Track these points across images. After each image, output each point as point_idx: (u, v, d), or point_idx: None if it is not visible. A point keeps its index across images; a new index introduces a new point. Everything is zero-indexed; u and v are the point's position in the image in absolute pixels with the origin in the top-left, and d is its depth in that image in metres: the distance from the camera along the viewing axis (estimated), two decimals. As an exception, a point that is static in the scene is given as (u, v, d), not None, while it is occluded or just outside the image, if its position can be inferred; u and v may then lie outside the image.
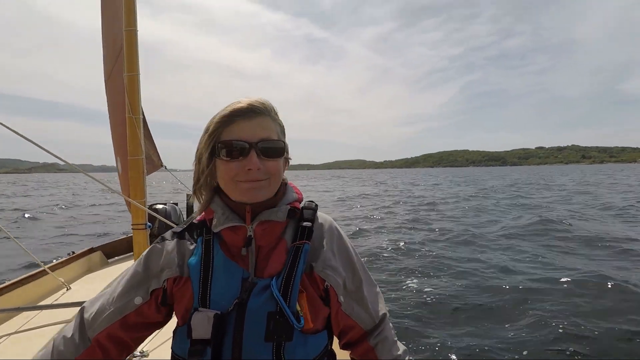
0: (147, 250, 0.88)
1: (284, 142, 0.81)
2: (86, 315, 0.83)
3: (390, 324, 0.93)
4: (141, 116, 2.18)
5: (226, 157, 0.75)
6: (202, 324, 0.72)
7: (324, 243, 0.85)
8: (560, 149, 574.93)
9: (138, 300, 0.82)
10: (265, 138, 0.76)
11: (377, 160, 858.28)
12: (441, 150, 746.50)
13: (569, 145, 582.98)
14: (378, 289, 0.95)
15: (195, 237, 0.85)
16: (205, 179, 0.80)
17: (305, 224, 0.84)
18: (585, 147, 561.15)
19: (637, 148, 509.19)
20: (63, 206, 18.88)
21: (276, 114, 0.82)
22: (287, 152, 0.83)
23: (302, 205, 0.89)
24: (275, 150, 0.78)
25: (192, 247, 0.84)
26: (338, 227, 0.92)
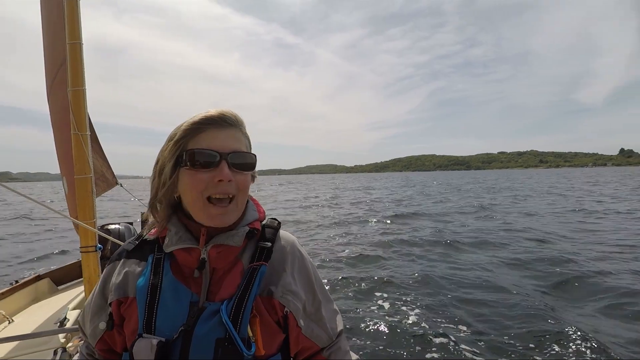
0: (104, 271, 0.84)
1: (255, 156, 0.79)
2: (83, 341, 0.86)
3: (345, 337, 0.93)
4: (89, 132, 2.07)
5: (194, 167, 0.71)
6: (145, 352, 0.68)
7: (285, 266, 0.82)
8: (520, 154, 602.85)
9: (102, 326, 0.78)
10: (236, 150, 0.74)
11: (348, 165, 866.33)
12: (410, 155, 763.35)
13: (528, 150, 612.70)
14: (335, 306, 0.93)
15: (146, 255, 0.81)
16: (166, 192, 0.75)
17: (264, 244, 0.81)
18: (543, 152, 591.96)
19: (587, 153, 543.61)
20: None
21: (245, 127, 0.80)
22: (255, 168, 0.80)
23: (263, 223, 0.87)
24: (247, 164, 0.76)
25: (140, 267, 0.79)
26: (300, 247, 0.90)
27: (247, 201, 0.84)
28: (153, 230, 0.82)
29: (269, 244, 0.82)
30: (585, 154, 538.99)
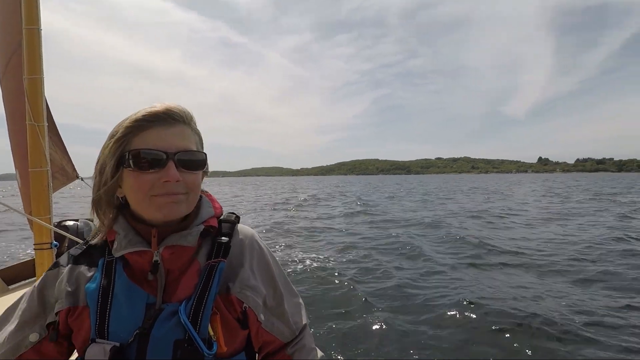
0: (41, 278, 0.79)
1: (205, 154, 0.76)
2: None
3: (310, 332, 0.93)
4: (46, 123, 1.96)
5: (138, 168, 0.67)
6: (98, 358, 0.65)
7: (244, 260, 0.80)
8: (454, 160, 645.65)
9: (34, 337, 0.73)
10: (184, 148, 0.71)
11: (294, 168, 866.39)
12: (354, 159, 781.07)
13: (462, 157, 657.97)
14: (299, 300, 0.92)
15: (95, 260, 0.77)
16: (108, 193, 0.72)
17: (221, 239, 0.79)
18: (475, 158, 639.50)
19: (512, 161, 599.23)
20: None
21: (195, 123, 0.77)
22: (207, 165, 0.77)
23: (221, 218, 0.85)
24: (196, 162, 0.73)
25: (90, 272, 0.75)
26: (260, 240, 0.88)
27: (201, 197, 0.82)
28: (100, 236, 0.78)
29: (227, 239, 0.80)
30: (511, 162, 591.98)
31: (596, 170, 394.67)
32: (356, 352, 3.40)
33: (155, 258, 0.71)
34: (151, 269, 0.71)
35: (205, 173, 0.79)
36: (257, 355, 0.86)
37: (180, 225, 0.74)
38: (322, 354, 0.92)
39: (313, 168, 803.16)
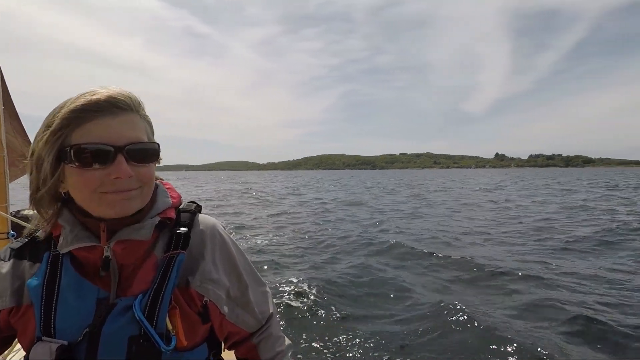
0: None
1: (157, 144, 0.69)
2: None
3: (277, 320, 0.91)
4: (1, 107, 1.93)
5: (83, 165, 0.60)
6: (43, 358, 0.60)
7: (205, 252, 0.75)
8: (418, 156, 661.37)
9: None
10: (135, 140, 0.64)
11: (261, 162, 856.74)
12: (321, 154, 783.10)
13: (425, 152, 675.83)
14: (266, 288, 0.89)
15: (40, 254, 0.70)
16: (50, 191, 0.64)
17: (180, 230, 0.74)
18: (437, 154, 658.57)
19: (472, 156, 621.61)
20: None
21: (144, 109, 0.69)
22: (160, 155, 0.70)
23: (180, 207, 0.79)
24: (149, 154, 0.66)
25: (34, 268, 0.69)
26: (222, 230, 0.82)
27: (157, 187, 0.75)
28: (44, 230, 0.70)
29: (185, 229, 0.74)
30: (470, 157, 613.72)
31: (547, 166, 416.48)
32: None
33: (106, 253, 0.65)
34: (102, 264, 0.66)
35: (158, 162, 0.72)
36: (222, 345, 0.83)
37: (132, 217, 0.67)
38: (290, 342, 0.91)
39: (280, 162, 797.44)
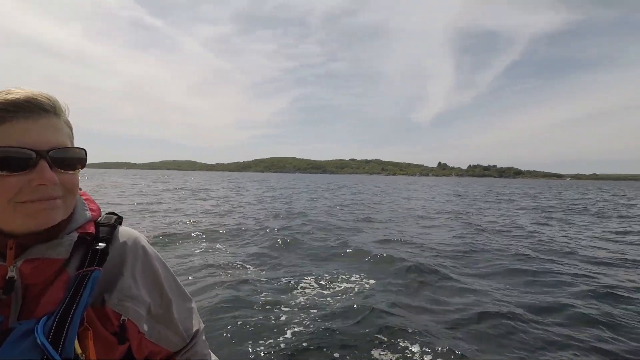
0: None
1: (84, 150, 0.65)
2: None
3: (204, 337, 0.87)
4: None
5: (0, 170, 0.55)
6: None
7: (124, 268, 0.71)
8: (367, 162, 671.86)
9: None
10: (59, 145, 0.60)
11: (209, 163, 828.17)
12: (272, 157, 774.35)
13: (374, 159, 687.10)
14: (192, 304, 0.86)
15: None
16: None
17: (98, 246, 0.68)
18: (385, 161, 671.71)
19: (417, 165, 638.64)
20: None
21: (65, 114, 0.64)
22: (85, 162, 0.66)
23: (98, 220, 0.73)
24: (74, 160, 0.63)
25: None
26: (145, 243, 0.77)
27: (76, 199, 0.68)
28: None
29: (104, 244, 0.68)
30: (415, 165, 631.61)
31: (483, 176, 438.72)
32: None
33: (10, 274, 0.58)
34: (4, 286, 0.58)
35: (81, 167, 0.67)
36: None
37: (47, 233, 0.61)
38: (217, 358, 0.89)
39: (229, 164, 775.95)
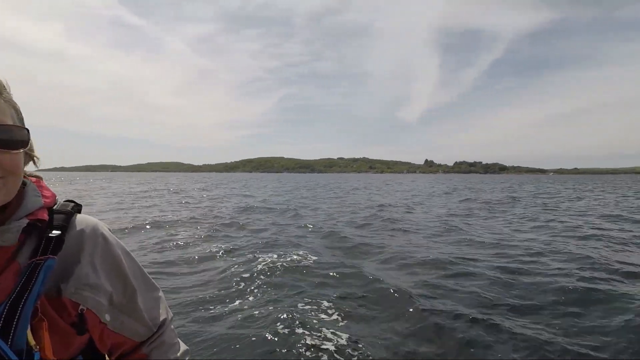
0: None
1: (27, 130, 0.63)
2: None
3: (172, 327, 0.85)
4: None
5: None
6: None
7: (81, 256, 0.68)
8: (355, 160, 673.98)
9: None
10: None
11: (196, 164, 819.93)
12: (260, 157, 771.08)
13: (362, 157, 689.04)
14: (159, 294, 0.83)
15: None
16: None
17: (52, 234, 0.65)
18: (372, 159, 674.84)
19: (404, 162, 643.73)
20: None
21: (8, 92, 0.62)
22: (31, 145, 0.64)
23: (54, 208, 0.70)
24: (12, 139, 0.59)
25: None
26: (105, 231, 0.74)
27: (26, 184, 0.67)
28: None
29: (58, 232, 0.66)
30: (403, 163, 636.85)
31: (469, 172, 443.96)
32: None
33: None
34: None
35: (32, 157, 0.68)
36: (108, 357, 0.75)
37: None
38: (187, 347, 0.85)
39: (217, 164, 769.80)
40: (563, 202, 18.82)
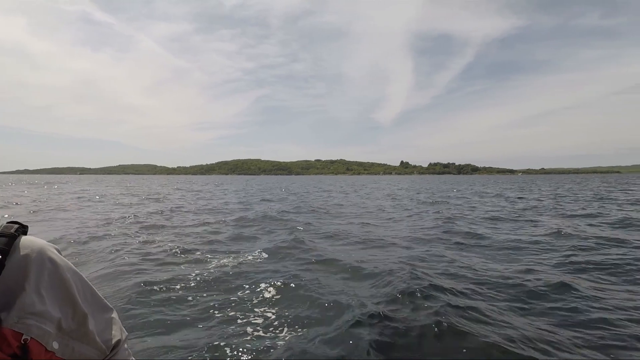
0: None
1: None
2: None
3: (126, 346, 0.82)
4: None
5: None
6: None
7: (25, 282, 0.64)
8: (332, 162, 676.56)
9: None
10: None
11: (170, 166, 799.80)
12: (236, 159, 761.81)
13: (339, 159, 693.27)
14: (112, 314, 0.81)
15: None
16: None
17: None
18: (349, 161, 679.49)
19: (380, 164, 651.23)
20: None
21: None
22: None
23: None
24: None
25: None
26: (54, 253, 0.70)
27: None
28: None
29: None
30: (379, 164, 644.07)
31: (443, 173, 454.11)
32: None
33: None
34: None
35: None
36: None
37: None
38: None
39: (192, 167, 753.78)
40: (471, 202, 18.36)
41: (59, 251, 0.71)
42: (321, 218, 13.25)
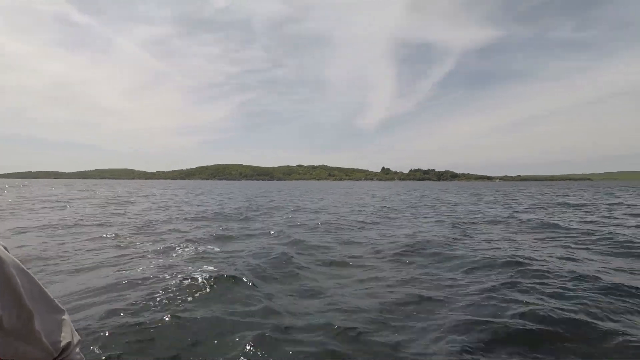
0: None
1: None
2: None
3: (78, 350, 0.80)
4: None
5: None
6: None
7: None
8: (314, 167, 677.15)
9: None
10: None
11: (149, 171, 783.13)
12: (217, 164, 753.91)
13: (321, 165, 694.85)
14: (62, 316, 0.78)
15: None
16: None
17: None
18: (332, 167, 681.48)
19: (362, 170, 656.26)
20: None
21: None
22: None
23: None
24: None
25: None
26: (1, 251, 0.68)
27: None
28: None
29: None
30: (361, 170, 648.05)
31: (422, 179, 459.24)
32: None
33: None
34: None
35: None
36: None
37: None
38: None
39: (171, 171, 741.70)
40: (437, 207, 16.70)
41: (5, 248, 0.67)
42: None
